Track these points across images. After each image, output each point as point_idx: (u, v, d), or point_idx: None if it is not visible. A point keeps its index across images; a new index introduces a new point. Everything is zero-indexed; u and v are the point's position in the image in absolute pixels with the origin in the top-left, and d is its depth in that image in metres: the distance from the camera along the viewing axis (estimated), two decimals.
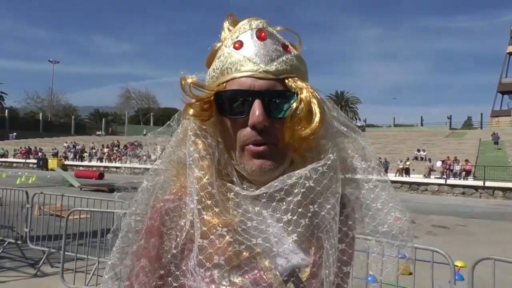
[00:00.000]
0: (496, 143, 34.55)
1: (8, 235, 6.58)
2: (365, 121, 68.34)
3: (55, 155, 42.37)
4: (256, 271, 0.76)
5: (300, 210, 0.76)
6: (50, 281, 5.30)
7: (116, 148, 44.49)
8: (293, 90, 0.78)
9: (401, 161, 28.40)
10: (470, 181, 25.39)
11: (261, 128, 0.76)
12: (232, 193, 0.79)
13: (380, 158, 29.17)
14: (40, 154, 43.27)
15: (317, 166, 0.78)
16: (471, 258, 3.52)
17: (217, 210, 0.75)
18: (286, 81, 0.79)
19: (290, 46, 0.84)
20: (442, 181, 25.63)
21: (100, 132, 64.49)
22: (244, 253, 0.75)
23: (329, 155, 0.80)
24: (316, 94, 0.81)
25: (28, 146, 46.29)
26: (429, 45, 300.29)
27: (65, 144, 47.26)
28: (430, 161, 28.61)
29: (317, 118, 0.78)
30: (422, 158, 31.29)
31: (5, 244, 6.45)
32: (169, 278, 0.79)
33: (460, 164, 27.23)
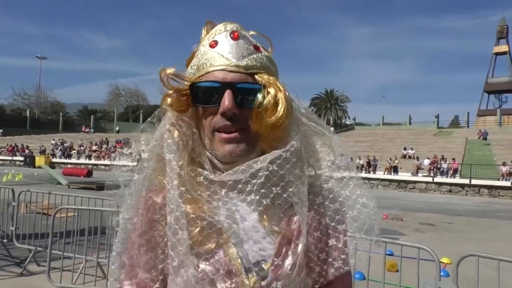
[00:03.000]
0: (485, 138, 35.18)
1: None
2: (354, 119, 68.81)
3: (43, 152, 41.82)
4: (221, 258, 0.82)
5: (262, 190, 0.83)
6: (37, 280, 5.23)
7: (105, 145, 44.07)
8: (261, 83, 0.85)
9: (390, 159, 28.69)
10: (457, 179, 25.77)
11: (230, 115, 0.83)
12: (202, 177, 0.86)
13: (368, 156, 29.49)
14: (27, 151, 42.65)
15: (281, 152, 0.84)
16: (457, 255, 3.57)
17: (189, 196, 0.82)
18: (256, 76, 0.86)
19: (261, 48, 0.91)
20: (429, 179, 25.97)
21: (88, 130, 63.77)
22: (212, 239, 0.82)
23: (292, 142, 0.86)
24: (283, 89, 0.87)
25: (15, 143, 45.59)
26: (419, 44, 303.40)
27: (52, 142, 46.66)
28: (418, 160, 28.95)
29: (282, 108, 0.84)
30: (410, 157, 31.63)
31: None
32: (169, 260, 0.85)
33: (447, 162, 27.61)
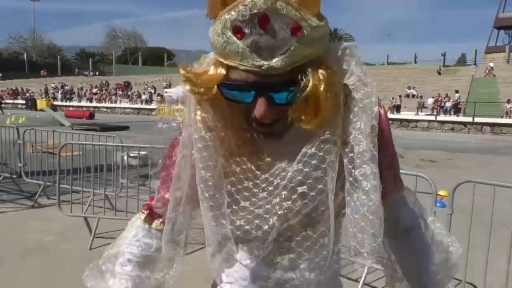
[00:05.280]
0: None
1: (2, 171, 6.66)
2: None
3: (45, 93, 41.67)
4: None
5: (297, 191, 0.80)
6: (48, 211, 5.46)
7: (105, 88, 43.74)
8: (300, 80, 0.72)
9: (393, 98, 28.47)
10: (460, 117, 25.71)
11: (266, 121, 0.77)
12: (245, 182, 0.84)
13: None
14: (27, 94, 42.49)
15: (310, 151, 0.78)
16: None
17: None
18: (294, 72, 0.72)
19: (303, 21, 0.70)
20: (432, 118, 25.94)
21: (87, 72, 62.92)
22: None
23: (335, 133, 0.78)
24: (330, 81, 0.73)
25: (15, 87, 45.30)
26: None
27: (52, 85, 46.29)
28: (421, 98, 28.69)
29: (323, 113, 0.74)
30: (413, 96, 31.31)
31: (1, 179, 6.55)
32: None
33: (451, 100, 27.38)
